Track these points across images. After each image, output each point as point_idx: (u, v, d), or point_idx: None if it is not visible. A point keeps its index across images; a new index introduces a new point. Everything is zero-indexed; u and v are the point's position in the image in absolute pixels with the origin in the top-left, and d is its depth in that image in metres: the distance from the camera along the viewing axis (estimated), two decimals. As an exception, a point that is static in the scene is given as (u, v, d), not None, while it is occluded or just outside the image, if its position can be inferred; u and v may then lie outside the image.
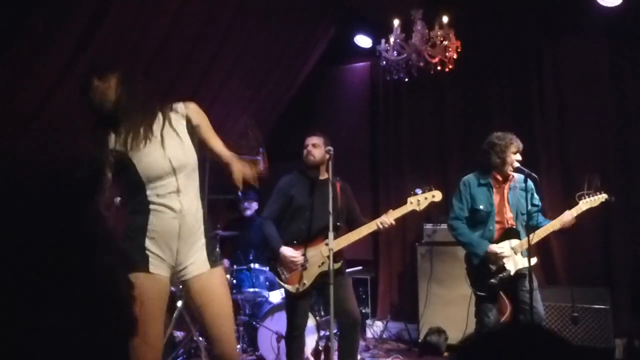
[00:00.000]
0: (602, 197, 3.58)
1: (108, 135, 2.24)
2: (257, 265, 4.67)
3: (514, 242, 3.54)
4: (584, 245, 4.94)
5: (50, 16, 3.37)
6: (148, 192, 2.20)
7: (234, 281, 4.65)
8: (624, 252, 4.83)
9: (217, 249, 2.40)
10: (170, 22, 4.12)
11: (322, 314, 4.54)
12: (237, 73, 5.09)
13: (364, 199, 5.85)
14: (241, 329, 4.53)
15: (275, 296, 4.63)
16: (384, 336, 5.49)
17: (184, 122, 2.33)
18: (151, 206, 2.19)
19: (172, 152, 2.24)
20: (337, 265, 3.39)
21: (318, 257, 3.44)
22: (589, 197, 3.57)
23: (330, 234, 3.16)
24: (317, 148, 3.55)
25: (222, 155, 2.38)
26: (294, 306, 3.52)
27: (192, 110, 2.39)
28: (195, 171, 2.31)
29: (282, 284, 3.50)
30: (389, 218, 3.45)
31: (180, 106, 2.37)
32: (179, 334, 4.63)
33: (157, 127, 2.27)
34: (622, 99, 4.98)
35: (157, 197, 2.20)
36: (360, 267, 5.11)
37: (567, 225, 3.55)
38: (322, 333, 4.37)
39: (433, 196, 3.53)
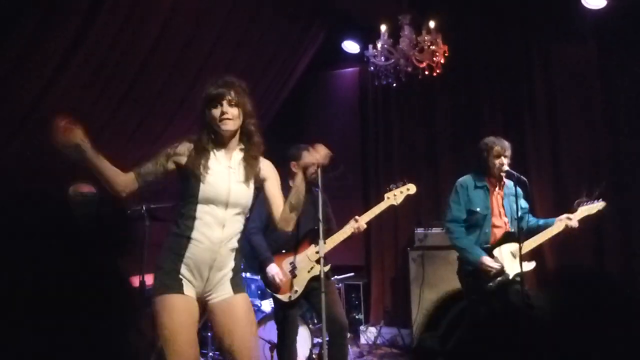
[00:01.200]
0: (599, 205, 3.62)
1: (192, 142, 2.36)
2: (248, 274, 4.62)
3: (512, 246, 3.53)
4: (576, 248, 4.95)
5: (43, 15, 3.34)
6: (196, 216, 2.28)
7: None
8: (616, 255, 4.84)
9: (243, 282, 2.56)
10: (160, 28, 4.10)
11: (315, 322, 4.51)
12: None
13: (355, 203, 5.83)
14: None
15: (267, 305, 4.59)
16: (378, 342, 5.46)
17: (254, 172, 2.43)
18: (193, 234, 2.27)
19: (234, 186, 2.34)
20: (326, 268, 3.39)
21: (306, 262, 3.45)
22: (587, 204, 3.61)
23: (321, 242, 3.15)
24: None
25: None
26: (284, 316, 3.50)
27: (267, 165, 2.51)
28: (244, 214, 2.40)
29: (274, 294, 3.48)
30: (362, 220, 3.52)
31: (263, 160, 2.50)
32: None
33: (236, 158, 2.40)
34: (612, 101, 4.99)
35: (200, 224, 2.28)
36: (352, 274, 5.08)
37: (572, 230, 3.58)
38: (315, 341, 4.33)
39: (408, 189, 3.60)
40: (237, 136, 2.40)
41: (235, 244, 2.37)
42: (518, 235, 3.41)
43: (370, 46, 4.49)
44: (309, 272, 3.43)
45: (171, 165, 2.35)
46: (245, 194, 2.37)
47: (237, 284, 2.40)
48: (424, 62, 4.33)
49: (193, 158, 2.33)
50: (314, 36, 5.63)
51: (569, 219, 3.54)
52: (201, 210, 2.28)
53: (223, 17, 4.54)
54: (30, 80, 3.58)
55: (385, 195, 3.60)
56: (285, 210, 2.44)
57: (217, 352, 4.53)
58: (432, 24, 4.26)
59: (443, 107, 5.70)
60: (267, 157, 2.52)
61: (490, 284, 3.44)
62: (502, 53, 5.40)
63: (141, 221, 3.15)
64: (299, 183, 2.45)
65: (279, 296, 3.46)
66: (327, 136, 6.05)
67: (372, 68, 4.50)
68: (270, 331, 4.17)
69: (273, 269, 3.44)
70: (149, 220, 3.14)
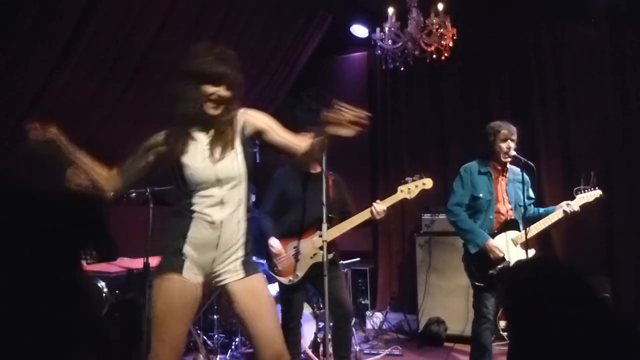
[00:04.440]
0: (597, 193, 3.58)
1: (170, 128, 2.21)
2: (254, 258, 4.63)
3: (513, 233, 3.50)
4: (585, 234, 4.90)
5: (41, 9, 3.33)
6: (192, 200, 2.18)
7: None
8: (626, 241, 4.78)
9: (255, 262, 2.36)
10: (165, 13, 4.08)
11: (321, 306, 4.52)
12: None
13: (363, 189, 5.82)
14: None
15: (273, 289, 4.60)
16: (384, 327, 5.48)
17: (239, 130, 2.26)
18: (194, 215, 2.18)
19: (221, 163, 2.19)
20: (330, 256, 3.37)
21: (310, 248, 3.43)
22: (585, 192, 3.57)
23: (324, 226, 3.13)
24: None
25: (300, 141, 2.29)
26: (288, 298, 3.52)
27: (251, 117, 2.29)
28: (242, 183, 2.25)
29: (275, 276, 3.49)
30: (380, 206, 3.40)
31: (239, 113, 2.28)
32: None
33: (214, 131, 2.23)
34: (624, 86, 4.91)
35: (199, 206, 2.18)
36: (358, 259, 5.08)
37: (571, 215, 3.50)
38: (320, 325, 4.34)
39: (424, 184, 3.45)
40: (218, 119, 2.22)
41: (241, 216, 2.24)
42: (523, 224, 3.39)
43: (378, 29, 4.43)
44: (311, 257, 3.43)
45: (151, 158, 2.24)
46: (233, 165, 2.21)
47: (250, 266, 2.27)
48: (432, 45, 4.26)
49: (172, 144, 2.20)
50: (321, 20, 5.58)
51: (568, 205, 3.51)
52: (196, 194, 2.19)
53: (228, 1, 4.50)
54: (34, 68, 3.58)
55: (399, 188, 3.45)
56: (306, 151, 2.27)
57: (223, 335, 4.58)
58: (440, 6, 4.19)
59: (452, 91, 5.64)
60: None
61: (492, 270, 3.42)
62: (512, 36, 5.31)
63: (145, 204, 3.16)
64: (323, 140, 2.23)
65: (279, 279, 3.48)
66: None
67: (379, 52, 4.45)
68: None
69: (274, 242, 3.45)
70: (153, 203, 3.15)
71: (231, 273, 2.22)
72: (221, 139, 2.21)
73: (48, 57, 3.55)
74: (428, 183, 3.45)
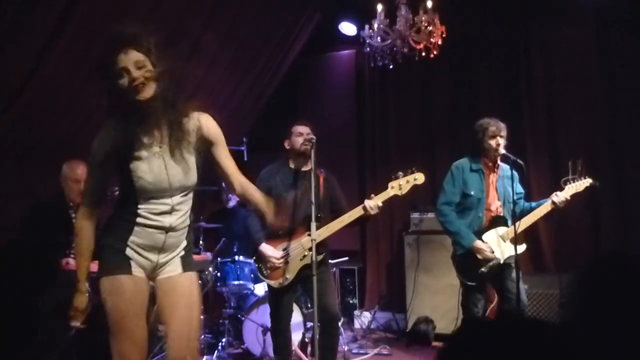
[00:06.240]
0: (587, 181, 3.52)
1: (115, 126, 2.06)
2: (241, 258, 4.60)
3: (502, 229, 3.49)
4: (573, 232, 4.91)
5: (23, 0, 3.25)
6: (139, 209, 2.08)
7: (219, 274, 4.58)
8: (613, 239, 4.80)
9: (192, 259, 2.32)
10: (150, 7, 4.01)
11: (309, 306, 4.48)
12: (220, 61, 4.98)
13: (351, 189, 5.78)
14: (227, 322, 4.48)
15: (261, 288, 4.56)
16: (372, 326, 5.45)
17: (193, 136, 2.13)
18: (139, 219, 2.08)
19: (173, 171, 2.08)
20: (320, 257, 3.29)
21: (299, 249, 3.34)
22: (573, 182, 3.51)
23: (313, 225, 3.06)
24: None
25: (240, 184, 2.34)
26: (277, 300, 3.43)
27: (206, 123, 2.19)
28: (192, 190, 2.18)
29: (265, 279, 3.41)
30: (375, 202, 3.28)
31: (193, 115, 2.15)
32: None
33: (164, 133, 2.08)
34: (611, 84, 4.93)
35: (147, 214, 2.08)
36: (346, 258, 5.04)
37: (561, 206, 3.46)
38: (308, 325, 4.31)
39: (415, 179, 3.31)
40: (157, 104, 2.02)
41: (187, 222, 2.19)
42: (513, 220, 3.36)
43: (367, 27, 4.40)
44: (301, 260, 3.33)
45: (109, 171, 2.11)
46: (188, 174, 2.10)
47: (188, 263, 2.22)
48: (420, 43, 4.24)
49: (116, 150, 2.02)
50: (309, 17, 5.54)
51: (557, 196, 3.48)
52: (144, 204, 2.07)
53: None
54: (17, 61, 3.49)
55: (390, 185, 3.31)
56: (252, 200, 2.36)
57: (209, 335, 4.52)
58: (429, 4, 4.17)
59: (440, 89, 5.63)
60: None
61: (482, 269, 3.40)
62: (501, 34, 5.31)
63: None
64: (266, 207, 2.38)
65: (269, 282, 3.38)
66: (323, 119, 5.99)
67: (367, 49, 4.42)
68: (263, 315, 4.14)
69: (265, 248, 3.34)
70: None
71: (169, 268, 2.18)
72: (178, 140, 2.08)
73: (30, 51, 3.47)
74: (420, 178, 3.32)
